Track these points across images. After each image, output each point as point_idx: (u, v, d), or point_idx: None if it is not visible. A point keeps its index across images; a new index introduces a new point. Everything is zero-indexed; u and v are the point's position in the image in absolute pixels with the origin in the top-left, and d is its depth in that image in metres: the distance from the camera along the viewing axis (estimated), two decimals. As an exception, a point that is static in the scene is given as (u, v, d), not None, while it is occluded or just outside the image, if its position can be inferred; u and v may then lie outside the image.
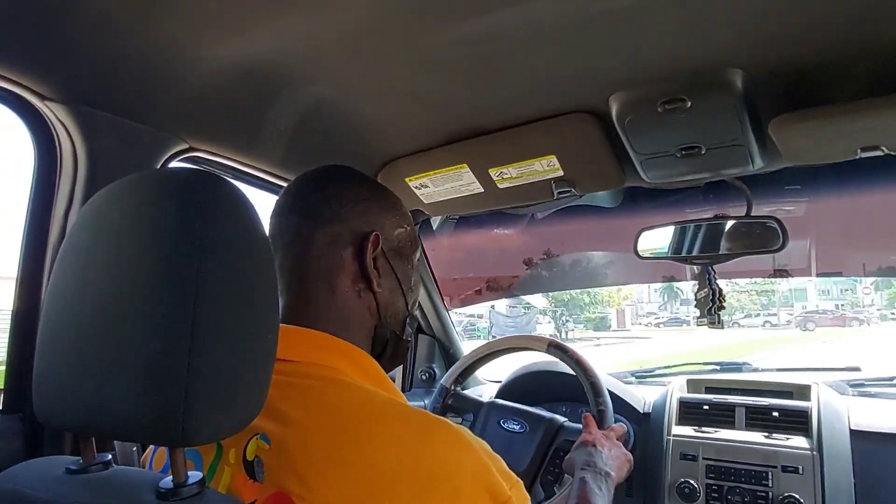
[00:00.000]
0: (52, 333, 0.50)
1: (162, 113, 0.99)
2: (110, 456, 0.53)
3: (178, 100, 0.98)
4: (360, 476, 0.53)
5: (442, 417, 0.61)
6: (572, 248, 1.83)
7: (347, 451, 0.54)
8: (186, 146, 1.07)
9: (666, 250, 1.24)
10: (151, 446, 0.73)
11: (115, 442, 0.97)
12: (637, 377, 1.70)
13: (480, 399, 1.37)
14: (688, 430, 1.33)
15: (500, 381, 1.64)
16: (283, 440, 0.55)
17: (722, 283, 1.20)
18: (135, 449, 1.01)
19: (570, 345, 1.30)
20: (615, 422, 1.16)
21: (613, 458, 1.00)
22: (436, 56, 0.89)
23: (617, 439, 1.07)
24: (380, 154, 1.23)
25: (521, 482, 0.63)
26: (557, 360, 1.30)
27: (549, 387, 1.53)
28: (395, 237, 0.75)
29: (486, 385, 1.79)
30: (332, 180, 0.75)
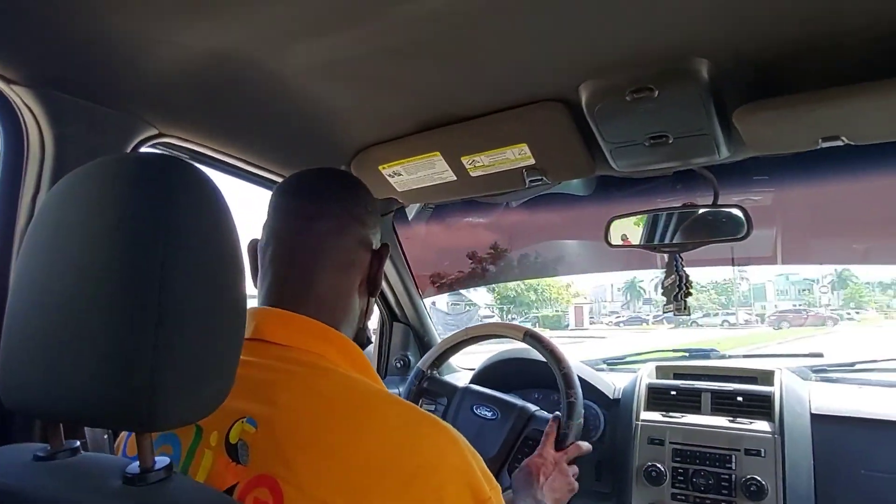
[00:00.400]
0: (18, 318, 0.49)
1: (130, 97, 0.98)
2: (79, 443, 0.52)
3: (146, 84, 0.96)
4: (347, 464, 0.53)
5: (429, 413, 0.62)
6: (546, 237, 1.85)
7: (335, 439, 0.55)
8: (156, 132, 1.06)
9: (636, 238, 1.26)
10: (124, 433, 0.73)
11: (86, 429, 0.96)
12: (608, 364, 1.73)
13: (455, 385, 1.38)
14: (655, 416, 1.36)
15: (473, 369, 1.66)
16: (271, 423, 0.56)
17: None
18: (106, 437, 1.00)
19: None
20: (584, 409, 1.18)
21: (555, 489, 1.03)
22: (406, 39, 0.89)
23: (579, 455, 1.11)
24: (353, 141, 1.22)
25: (499, 486, 0.64)
26: (532, 348, 1.32)
27: (523, 374, 1.55)
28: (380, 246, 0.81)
29: (461, 372, 1.81)
30: (358, 184, 0.80)
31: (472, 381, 1.48)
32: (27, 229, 0.91)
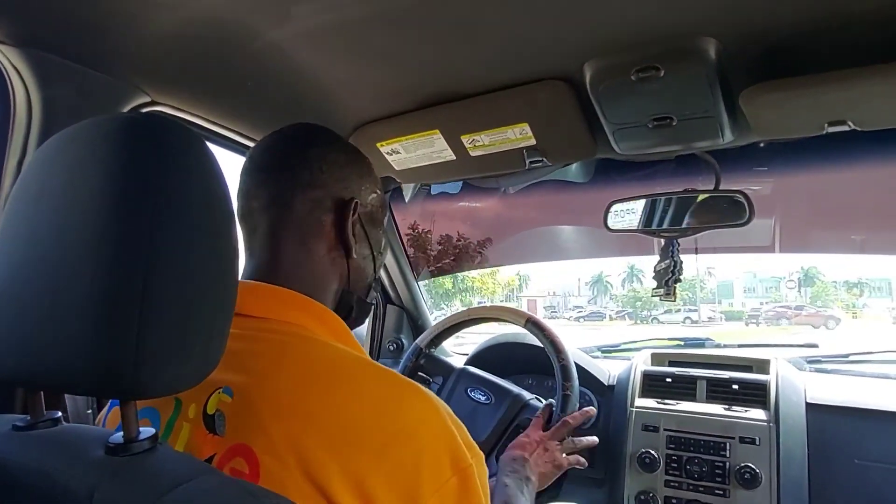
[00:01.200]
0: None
1: (123, 62, 0.95)
2: (59, 413, 0.51)
3: (140, 49, 0.93)
4: (324, 427, 0.52)
5: (410, 380, 0.60)
6: (543, 223, 1.83)
7: (312, 403, 0.53)
8: (148, 99, 1.04)
9: (635, 223, 1.25)
10: (107, 405, 0.71)
11: (68, 400, 0.94)
12: (603, 351, 1.73)
13: (452, 364, 1.37)
14: (650, 402, 1.35)
15: (467, 355, 1.65)
16: (247, 392, 0.54)
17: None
18: (90, 412, 0.98)
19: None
20: (581, 397, 1.17)
21: (540, 464, 1.02)
22: (407, 11, 0.87)
23: (579, 425, 1.10)
24: (351, 117, 1.20)
25: (483, 456, 0.62)
26: (529, 334, 1.31)
27: (519, 358, 1.54)
28: (370, 203, 0.76)
29: (454, 358, 1.80)
30: (312, 142, 0.74)
31: (467, 363, 1.47)
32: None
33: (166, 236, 0.43)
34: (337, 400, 0.54)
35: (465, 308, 1.46)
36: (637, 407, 1.35)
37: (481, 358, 1.57)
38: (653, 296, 1.19)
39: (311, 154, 0.72)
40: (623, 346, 1.75)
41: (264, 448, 0.51)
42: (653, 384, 1.39)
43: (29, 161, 0.50)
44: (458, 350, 1.85)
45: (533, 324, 1.26)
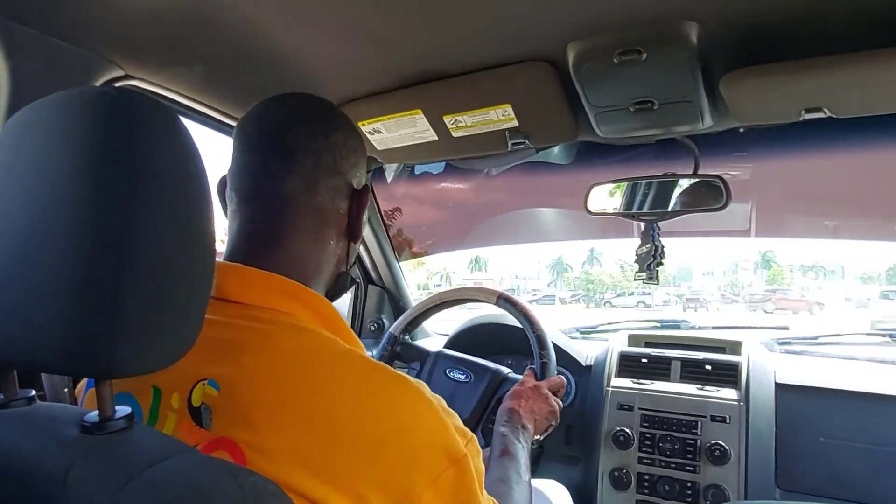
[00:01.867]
0: None
1: (95, 34, 0.92)
2: (34, 392, 0.50)
3: (113, 21, 0.90)
4: (313, 424, 0.51)
5: (400, 372, 0.59)
6: (525, 205, 1.84)
7: (301, 399, 0.52)
8: (122, 73, 1.01)
9: (615, 206, 1.26)
10: (83, 385, 0.70)
11: (44, 380, 0.93)
12: (581, 332, 1.75)
13: (427, 349, 1.38)
14: (626, 382, 1.38)
15: (448, 335, 1.66)
16: (234, 385, 0.53)
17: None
18: (66, 391, 0.97)
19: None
20: (557, 374, 1.19)
21: (535, 411, 1.04)
22: None
23: (553, 391, 1.11)
24: (332, 95, 1.18)
25: (475, 437, 0.63)
26: (506, 313, 1.33)
27: (496, 340, 1.56)
28: (363, 183, 0.75)
29: (435, 337, 1.81)
30: (332, 125, 0.70)
31: (445, 347, 1.48)
32: None
33: (140, 213, 0.42)
34: (325, 397, 0.53)
35: (435, 293, 1.46)
36: (613, 387, 1.38)
37: (459, 341, 1.59)
38: (635, 279, 1.21)
39: (335, 139, 0.69)
40: (601, 328, 1.78)
41: (251, 444, 0.50)
42: (629, 364, 1.42)
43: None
44: (438, 330, 1.86)
45: (504, 300, 1.28)
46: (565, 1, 0.87)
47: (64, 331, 0.40)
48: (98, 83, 0.98)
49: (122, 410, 0.44)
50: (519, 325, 1.27)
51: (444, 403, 0.62)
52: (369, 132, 1.23)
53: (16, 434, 0.44)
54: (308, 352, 0.57)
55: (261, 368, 0.54)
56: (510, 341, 1.51)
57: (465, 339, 1.59)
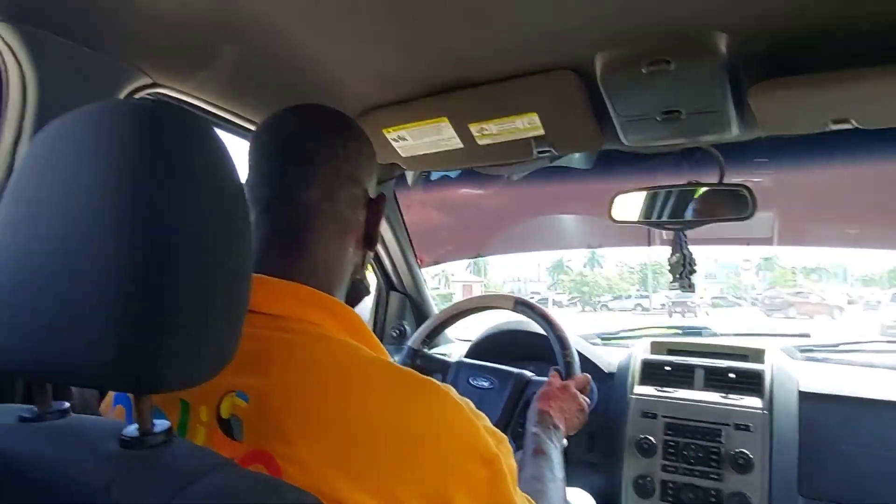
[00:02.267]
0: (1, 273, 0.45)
1: (123, 42, 0.93)
2: (68, 404, 0.49)
3: (141, 28, 0.91)
4: (347, 432, 0.52)
5: (429, 377, 0.59)
6: (546, 211, 1.84)
7: (332, 409, 0.53)
8: (150, 81, 1.02)
9: (640, 215, 1.26)
10: (110, 397, 0.70)
11: (75, 393, 0.93)
12: (602, 339, 1.75)
13: (448, 359, 1.38)
14: (649, 390, 1.38)
15: (469, 340, 1.66)
16: (264, 397, 0.53)
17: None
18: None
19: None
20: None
21: (565, 410, 1.05)
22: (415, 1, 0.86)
23: (580, 389, 1.11)
24: (357, 101, 1.19)
25: (505, 437, 0.63)
26: (523, 319, 1.33)
27: (516, 347, 1.56)
28: (379, 192, 0.76)
29: (456, 343, 1.81)
30: (348, 133, 0.71)
31: (466, 355, 1.48)
32: (6, 178, 0.89)
33: (181, 226, 0.42)
34: (356, 406, 0.53)
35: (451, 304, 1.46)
36: (636, 394, 1.38)
37: (480, 348, 1.59)
38: (670, 289, 1.21)
39: (352, 147, 0.70)
40: (622, 335, 1.78)
41: (285, 455, 0.50)
42: (652, 372, 1.42)
43: (30, 143, 0.49)
44: (459, 336, 1.86)
45: (521, 304, 1.28)
46: (594, 11, 0.87)
47: (107, 346, 0.40)
48: (126, 91, 0.99)
49: (161, 424, 0.44)
50: (538, 330, 1.27)
51: (473, 406, 0.62)
52: (393, 139, 1.23)
53: (54, 447, 0.44)
54: (337, 361, 0.57)
55: (291, 379, 0.54)
56: (530, 347, 1.51)
57: (486, 346, 1.59)
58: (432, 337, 1.40)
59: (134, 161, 0.42)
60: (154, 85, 1.02)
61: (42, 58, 0.87)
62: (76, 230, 0.42)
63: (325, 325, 0.62)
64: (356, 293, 0.74)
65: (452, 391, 0.60)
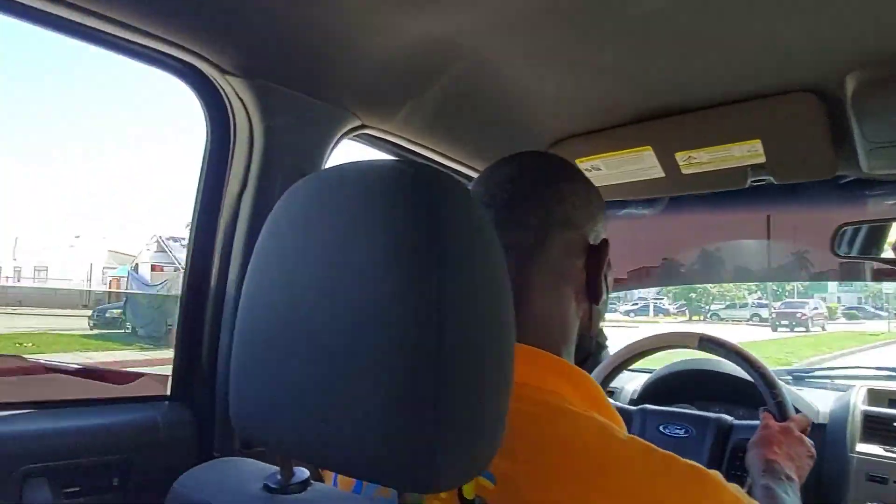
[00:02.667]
0: (253, 341, 0.44)
1: (338, 88, 0.95)
2: (308, 474, 0.47)
3: (353, 74, 0.93)
4: None
5: (695, 464, 0.53)
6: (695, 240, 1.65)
7: (588, 496, 0.48)
8: (359, 123, 1.03)
9: (870, 249, 1.10)
10: None
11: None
12: (794, 376, 1.56)
13: (629, 408, 1.28)
14: (875, 449, 1.20)
15: (643, 371, 1.54)
16: (513, 480, 0.49)
17: None
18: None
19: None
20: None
21: (793, 457, 0.90)
22: (630, 27, 0.80)
23: (801, 431, 0.97)
24: (550, 131, 1.14)
25: None
26: (703, 356, 1.19)
27: (697, 388, 1.42)
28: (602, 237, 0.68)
29: (626, 374, 1.70)
30: (560, 175, 0.66)
31: (640, 397, 1.37)
32: (232, 226, 0.93)
33: (454, 307, 0.37)
34: (617, 496, 0.49)
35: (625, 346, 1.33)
36: (859, 453, 1.20)
37: (656, 392, 1.45)
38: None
39: (564, 189, 0.65)
40: (818, 373, 1.58)
41: None
42: (876, 428, 1.23)
43: (278, 204, 0.46)
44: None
45: (708, 341, 1.14)
46: (850, 27, 0.77)
47: (382, 444, 0.37)
48: (338, 134, 1.01)
49: None
50: (720, 369, 1.13)
51: (744, 492, 0.55)
52: (586, 169, 1.17)
53: None
54: (589, 442, 0.52)
55: (537, 460, 0.50)
56: (711, 389, 1.38)
57: (663, 388, 1.46)
58: (607, 383, 1.29)
59: (400, 236, 0.38)
60: (363, 126, 1.03)
61: (267, 107, 0.91)
62: (340, 307, 0.39)
63: (566, 396, 0.57)
64: (586, 352, 0.68)
65: (715, 474, 0.53)
